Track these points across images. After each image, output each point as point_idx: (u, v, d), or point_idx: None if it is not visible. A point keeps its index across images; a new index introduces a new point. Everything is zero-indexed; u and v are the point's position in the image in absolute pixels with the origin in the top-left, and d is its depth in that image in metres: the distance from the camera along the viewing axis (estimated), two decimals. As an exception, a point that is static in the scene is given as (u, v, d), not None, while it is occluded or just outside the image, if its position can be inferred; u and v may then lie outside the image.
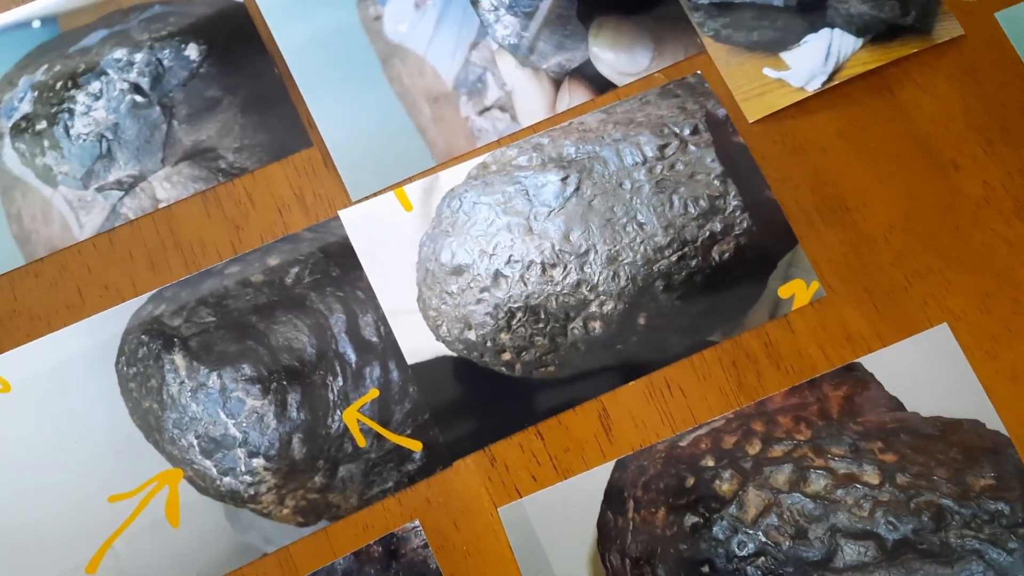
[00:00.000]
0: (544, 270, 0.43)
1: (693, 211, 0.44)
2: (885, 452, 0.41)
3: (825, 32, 0.47)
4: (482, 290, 0.43)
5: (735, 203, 0.44)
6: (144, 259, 0.45)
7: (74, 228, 0.45)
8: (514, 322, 0.43)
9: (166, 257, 0.45)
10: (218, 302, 0.44)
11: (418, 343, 0.43)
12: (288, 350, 0.43)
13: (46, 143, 0.46)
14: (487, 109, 0.47)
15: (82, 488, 0.41)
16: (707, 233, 0.44)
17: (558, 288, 0.43)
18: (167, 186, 0.45)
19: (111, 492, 0.41)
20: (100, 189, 0.45)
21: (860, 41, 0.47)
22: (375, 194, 0.45)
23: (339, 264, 0.44)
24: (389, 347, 0.43)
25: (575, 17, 0.48)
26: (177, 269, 0.44)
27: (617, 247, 0.44)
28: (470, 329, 0.43)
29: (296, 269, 0.44)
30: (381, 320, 0.43)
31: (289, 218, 0.45)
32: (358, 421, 0.42)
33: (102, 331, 0.43)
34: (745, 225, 0.44)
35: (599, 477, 0.41)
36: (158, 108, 0.46)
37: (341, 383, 0.42)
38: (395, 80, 0.47)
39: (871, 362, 0.43)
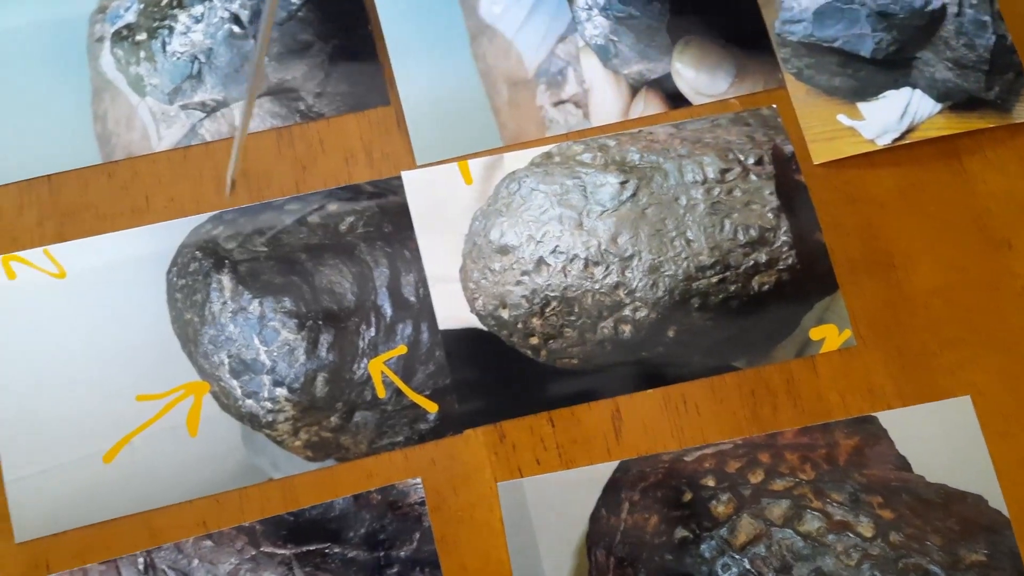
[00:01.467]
0: (586, 266, 0.45)
1: (742, 238, 0.45)
2: (884, 508, 0.41)
3: (906, 91, 0.48)
4: (523, 273, 0.45)
5: (784, 239, 0.45)
6: (212, 180, 0.46)
7: (153, 139, 0.47)
8: (548, 310, 0.44)
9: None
10: (273, 235, 0.45)
11: (452, 311, 0.44)
12: (329, 292, 0.44)
13: (142, 54, 0.48)
14: (562, 102, 0.48)
15: (114, 382, 0.43)
16: (751, 262, 0.45)
17: (596, 286, 0.44)
18: (246, 116, 0.47)
19: (140, 391, 0.43)
20: (184, 107, 0.47)
21: (939, 106, 0.48)
22: (439, 162, 0.47)
23: (392, 222, 0.46)
24: (424, 310, 0.44)
25: (664, 30, 0.49)
26: (241, 196, 0.46)
27: (661, 258, 0.45)
28: (504, 308, 0.44)
29: (352, 218, 0.46)
30: (422, 282, 0.45)
31: (354, 169, 0.47)
32: (382, 373, 0.43)
33: (161, 240, 0.45)
34: (790, 262, 0.45)
35: (601, 473, 0.42)
36: (252, 41, 0.48)
37: (373, 333, 0.44)
38: (480, 58, 0.48)
39: (887, 418, 0.43)
